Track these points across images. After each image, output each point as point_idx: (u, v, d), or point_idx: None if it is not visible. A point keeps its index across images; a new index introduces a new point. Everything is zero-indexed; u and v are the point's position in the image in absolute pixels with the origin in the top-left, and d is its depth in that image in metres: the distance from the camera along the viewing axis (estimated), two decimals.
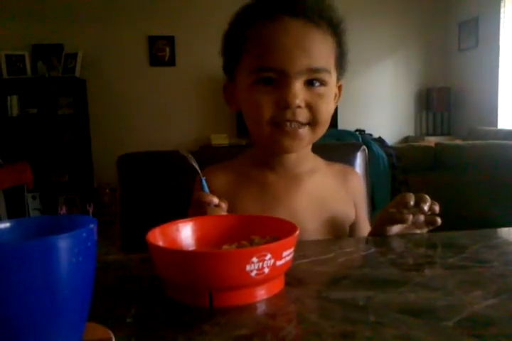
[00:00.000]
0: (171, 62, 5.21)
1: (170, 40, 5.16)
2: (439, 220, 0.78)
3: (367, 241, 0.78)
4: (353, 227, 0.95)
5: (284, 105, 0.77)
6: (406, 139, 5.49)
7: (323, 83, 0.80)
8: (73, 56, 4.82)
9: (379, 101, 5.50)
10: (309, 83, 0.79)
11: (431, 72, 5.49)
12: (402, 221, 0.75)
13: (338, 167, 0.97)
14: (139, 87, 5.15)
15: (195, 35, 5.08)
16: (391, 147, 2.66)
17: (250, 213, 0.86)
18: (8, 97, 4.71)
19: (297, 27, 0.78)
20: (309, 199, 0.89)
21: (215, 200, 0.76)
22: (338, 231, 0.90)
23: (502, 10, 4.48)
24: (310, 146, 0.91)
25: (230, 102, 0.92)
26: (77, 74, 4.79)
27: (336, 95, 0.90)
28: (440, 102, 5.32)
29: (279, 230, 0.59)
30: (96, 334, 0.43)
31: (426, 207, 0.74)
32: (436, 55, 5.46)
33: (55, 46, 4.94)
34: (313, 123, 0.81)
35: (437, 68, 5.48)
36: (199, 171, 0.82)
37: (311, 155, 0.93)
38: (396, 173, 2.45)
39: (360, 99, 5.33)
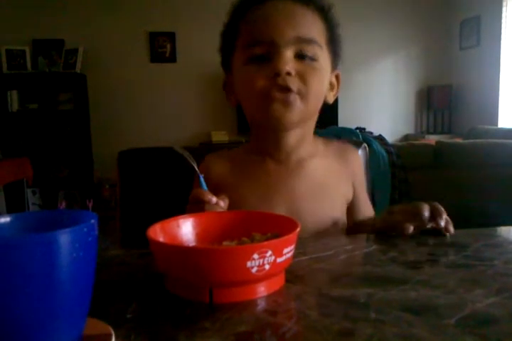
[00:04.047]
0: (172, 58, 5.20)
1: (171, 37, 5.14)
2: (451, 230, 0.74)
3: (368, 238, 0.78)
4: (353, 207, 0.95)
5: (274, 73, 0.78)
6: (406, 137, 5.49)
7: (314, 57, 0.81)
8: (74, 52, 4.80)
9: (380, 99, 5.49)
10: (300, 57, 0.80)
11: (432, 71, 5.48)
12: (405, 232, 0.73)
13: (336, 146, 0.97)
14: (139, 83, 5.14)
15: (196, 31, 5.07)
16: (391, 145, 2.66)
17: (249, 200, 0.88)
18: (9, 92, 4.69)
19: (286, 6, 0.81)
20: (309, 184, 0.89)
21: (214, 199, 0.76)
22: (336, 212, 0.91)
23: (504, 9, 4.47)
24: (309, 130, 0.90)
25: (228, 95, 0.92)
26: (78, 69, 4.78)
27: (333, 85, 0.91)
28: (441, 100, 5.31)
29: (280, 227, 0.59)
30: (96, 330, 0.43)
31: (442, 223, 0.73)
32: (437, 53, 5.45)
33: (56, 41, 4.93)
34: (303, 92, 0.80)
35: (438, 66, 5.47)
36: (196, 169, 0.82)
37: (311, 138, 0.92)
38: (396, 171, 2.45)
39: (361, 96, 5.32)
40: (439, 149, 2.80)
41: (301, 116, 0.83)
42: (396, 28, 5.38)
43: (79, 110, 4.80)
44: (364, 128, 5.00)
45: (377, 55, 5.42)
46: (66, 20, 4.94)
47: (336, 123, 4.94)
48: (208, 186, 0.86)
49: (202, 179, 0.81)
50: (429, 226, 0.73)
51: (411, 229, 0.73)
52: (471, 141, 3.08)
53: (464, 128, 5.00)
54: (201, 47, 5.04)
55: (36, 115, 4.80)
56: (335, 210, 0.91)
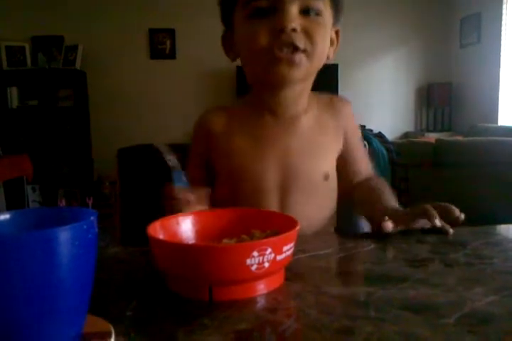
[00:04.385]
0: (172, 55, 5.19)
1: (171, 33, 5.13)
2: (450, 231, 0.73)
3: (367, 236, 0.78)
4: (348, 157, 0.96)
5: (279, 29, 0.76)
6: (406, 135, 5.48)
7: (318, 12, 0.80)
8: (74, 48, 4.80)
9: (379, 96, 5.48)
10: (305, 12, 0.78)
11: (432, 68, 5.47)
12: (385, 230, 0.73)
13: (327, 99, 0.96)
14: (139, 80, 5.14)
15: (196, 28, 5.05)
16: (391, 142, 2.65)
17: (243, 150, 0.89)
18: (8, 89, 4.68)
19: None
20: (301, 140, 0.89)
21: (187, 198, 0.75)
22: (326, 167, 0.91)
23: (504, 6, 4.46)
24: (308, 85, 0.90)
25: (228, 51, 0.91)
26: (78, 66, 4.77)
27: (333, 41, 0.89)
28: (441, 98, 5.30)
29: (279, 224, 0.59)
30: (95, 327, 0.43)
31: (450, 231, 0.73)
32: (437, 50, 5.44)
33: (56, 38, 4.91)
34: (310, 50, 0.79)
35: (439, 64, 5.46)
36: (173, 165, 0.80)
37: (308, 93, 0.92)
38: (396, 169, 2.44)
39: (361, 94, 5.31)
40: (439, 147, 2.80)
41: (306, 73, 0.83)
42: (396, 25, 5.37)
43: (79, 107, 4.79)
44: (364, 126, 4.99)
45: (377, 53, 5.41)
46: (66, 16, 4.93)
47: None
48: (203, 137, 0.90)
49: (180, 175, 0.80)
50: (427, 226, 0.73)
51: (390, 226, 0.72)
52: (471, 138, 3.08)
53: (464, 126, 4.99)
54: (201, 43, 5.03)
55: (36, 111, 4.79)
56: (325, 166, 0.91)
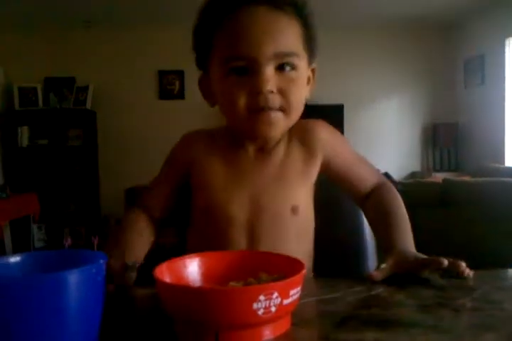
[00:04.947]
0: (180, 95, 5.29)
1: (180, 74, 5.25)
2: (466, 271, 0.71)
3: (375, 280, 0.77)
4: (349, 176, 0.95)
5: (256, 91, 0.78)
6: (413, 175, 5.48)
7: (293, 67, 0.81)
8: (85, 89, 4.91)
9: (385, 136, 5.52)
10: (280, 68, 0.80)
11: (437, 108, 5.53)
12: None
13: (297, 125, 0.92)
14: (148, 120, 5.22)
15: None
16: (398, 182, 2.66)
17: (216, 182, 0.90)
18: (19, 128, 4.77)
19: (261, 13, 0.80)
20: (271, 171, 0.90)
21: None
22: (296, 198, 0.90)
23: (507, 48, 4.55)
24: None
25: (206, 96, 0.93)
26: (88, 106, 4.87)
27: (309, 79, 0.90)
28: (447, 138, 5.33)
29: (286, 267, 0.59)
30: None
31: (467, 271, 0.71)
32: (442, 91, 5.51)
33: (68, 79, 5.05)
34: (286, 108, 0.81)
35: (444, 104, 5.52)
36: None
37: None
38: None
39: (367, 133, 5.36)
40: (446, 187, 2.79)
41: (283, 129, 0.86)
42: (401, 66, 5.47)
43: (88, 146, 4.86)
44: None
45: (383, 93, 5.49)
46: (77, 58, 5.08)
47: None
48: (179, 162, 0.96)
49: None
50: (446, 262, 0.71)
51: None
52: (479, 179, 3.07)
53: (471, 165, 4.99)
54: None
55: (46, 150, 4.86)
56: (292, 199, 0.90)
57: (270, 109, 0.80)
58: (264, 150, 0.91)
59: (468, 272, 0.70)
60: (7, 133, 4.79)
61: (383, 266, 0.76)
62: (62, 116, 4.91)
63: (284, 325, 0.53)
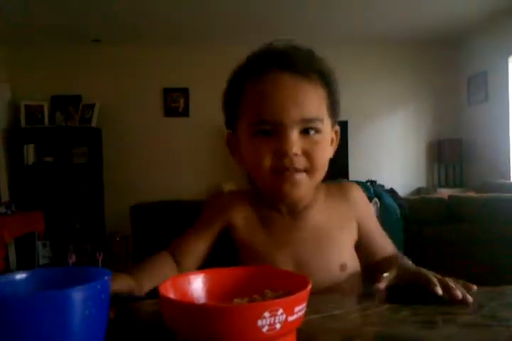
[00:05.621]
0: (185, 112, 5.33)
1: (184, 92, 5.30)
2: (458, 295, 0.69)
3: (380, 296, 0.77)
4: (369, 242, 0.96)
5: (281, 154, 0.81)
6: (418, 191, 5.47)
7: (317, 131, 0.84)
8: (91, 107, 4.95)
9: (390, 152, 5.52)
10: (305, 131, 0.83)
11: (442, 125, 5.54)
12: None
13: (336, 187, 0.99)
14: (153, 137, 5.25)
15: (208, 87, 5.22)
16: (403, 198, 2.64)
17: (261, 252, 0.91)
18: (25, 146, 4.81)
19: (287, 80, 0.83)
20: (313, 234, 0.91)
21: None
22: (344, 257, 0.91)
23: (510, 65, 4.57)
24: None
25: (233, 153, 0.96)
26: (94, 124, 4.91)
27: (333, 140, 0.93)
28: (452, 154, 5.33)
29: (291, 284, 0.58)
30: None
31: (459, 296, 0.68)
32: (446, 108, 5.53)
33: (74, 97, 5.10)
34: (310, 169, 0.84)
35: (448, 121, 5.53)
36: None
37: (313, 190, 0.94)
38: (409, 225, 2.42)
39: (371, 149, 5.37)
40: (452, 203, 2.78)
41: (309, 189, 0.88)
42: (405, 83, 5.50)
43: (93, 163, 4.88)
44: (375, 181, 5.00)
45: (387, 109, 5.51)
46: (84, 76, 5.14)
47: (347, 176, 4.95)
48: (217, 222, 0.93)
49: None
50: (440, 291, 0.70)
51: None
52: (485, 195, 3.05)
53: (476, 181, 4.98)
54: (213, 102, 5.13)
55: (51, 168, 4.88)
56: (342, 256, 0.91)
57: (295, 170, 0.82)
58: (297, 210, 0.93)
59: (462, 296, 0.68)
60: (13, 150, 4.83)
61: (386, 274, 0.76)
62: (67, 134, 4.94)
63: None
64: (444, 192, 4.35)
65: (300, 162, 0.82)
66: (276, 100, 0.82)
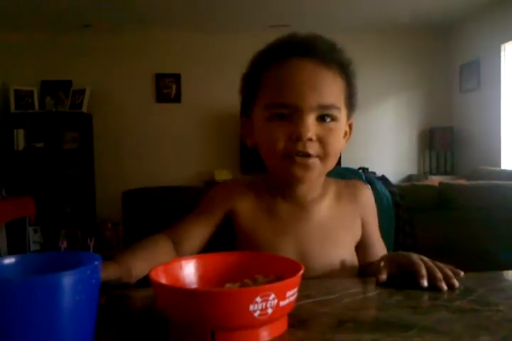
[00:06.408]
0: (177, 98, 5.29)
1: (176, 78, 5.26)
2: (444, 288, 0.70)
3: (372, 282, 0.77)
4: (366, 244, 0.97)
5: (296, 137, 0.81)
6: (409, 178, 5.49)
7: (333, 119, 0.84)
8: (81, 92, 4.90)
9: (382, 139, 5.53)
10: (321, 118, 0.83)
11: (433, 113, 5.54)
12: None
13: (346, 184, 1.00)
14: (144, 123, 5.22)
15: (200, 73, 5.19)
16: (395, 186, 2.65)
17: (261, 239, 0.91)
18: (15, 131, 4.76)
19: (308, 66, 0.83)
20: (318, 227, 0.92)
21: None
22: (345, 254, 0.92)
23: (502, 53, 4.56)
24: (323, 178, 0.94)
25: (246, 137, 0.95)
26: (84, 109, 4.86)
27: (346, 133, 0.94)
28: (443, 142, 5.34)
29: (283, 269, 0.58)
30: None
31: (443, 285, 0.70)
32: (438, 96, 5.53)
33: (64, 82, 5.04)
34: (322, 155, 0.84)
35: (440, 109, 5.54)
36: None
37: (322, 181, 0.95)
38: (400, 212, 2.43)
39: (364, 137, 5.37)
40: (443, 190, 2.79)
41: (320, 174, 0.88)
42: (397, 71, 5.48)
43: (83, 149, 4.85)
44: (367, 169, 5.01)
45: (380, 97, 5.50)
46: (74, 62, 5.07)
47: (339, 163, 4.95)
48: (220, 209, 0.93)
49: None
50: (426, 284, 0.70)
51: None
52: (475, 182, 3.07)
53: (467, 169, 5.00)
54: (205, 88, 5.16)
55: (41, 153, 4.84)
56: (343, 253, 0.92)
57: (308, 155, 0.82)
58: (305, 202, 0.93)
59: (444, 286, 0.69)
60: (3, 135, 4.77)
61: (382, 263, 0.77)
62: (58, 120, 4.90)
63: (280, 327, 0.53)
64: (435, 180, 4.37)
65: (313, 147, 0.82)
66: (295, 85, 0.82)
